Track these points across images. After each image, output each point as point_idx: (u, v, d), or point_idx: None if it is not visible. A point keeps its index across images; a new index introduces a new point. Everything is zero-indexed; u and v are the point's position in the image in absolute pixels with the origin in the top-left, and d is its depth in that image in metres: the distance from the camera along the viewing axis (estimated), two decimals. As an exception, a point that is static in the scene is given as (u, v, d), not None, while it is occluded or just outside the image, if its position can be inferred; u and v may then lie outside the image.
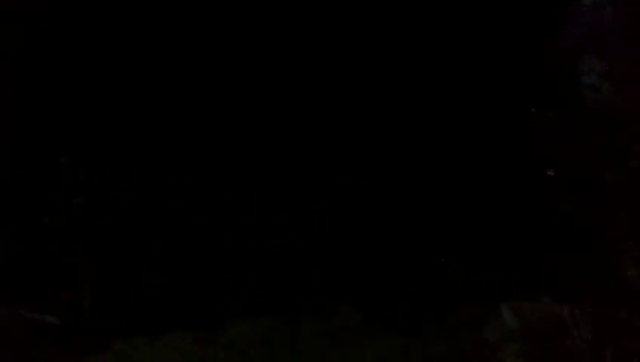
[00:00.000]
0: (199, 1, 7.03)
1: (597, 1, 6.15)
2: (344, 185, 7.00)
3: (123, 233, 6.77)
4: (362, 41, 7.06)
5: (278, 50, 7.10)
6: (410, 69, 7.07)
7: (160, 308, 6.67)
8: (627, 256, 5.63)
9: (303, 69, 7.08)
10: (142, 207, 6.85)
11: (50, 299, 6.82)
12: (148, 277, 6.85)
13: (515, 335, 5.93)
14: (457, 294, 6.54)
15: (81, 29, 6.94)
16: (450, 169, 6.99)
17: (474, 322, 6.09)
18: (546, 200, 6.10)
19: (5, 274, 6.68)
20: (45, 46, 6.90)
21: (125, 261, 6.85)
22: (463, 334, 5.98)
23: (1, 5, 6.76)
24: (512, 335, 5.95)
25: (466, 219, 6.86)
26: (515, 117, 6.63)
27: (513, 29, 6.88)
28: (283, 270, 6.81)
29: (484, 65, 6.98)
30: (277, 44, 7.08)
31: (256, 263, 6.84)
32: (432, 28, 7.01)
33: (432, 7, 6.99)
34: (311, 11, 6.98)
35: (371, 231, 6.92)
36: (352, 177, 7.02)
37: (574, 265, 5.80)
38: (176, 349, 6.09)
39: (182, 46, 7.06)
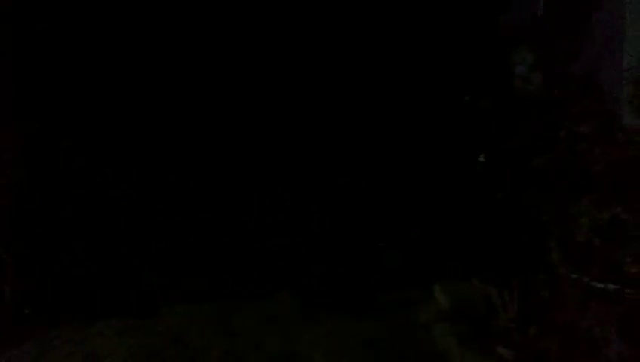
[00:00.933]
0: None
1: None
2: (279, 175, 6.97)
3: (50, 217, 6.43)
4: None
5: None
6: (341, 59, 7.07)
7: (92, 295, 6.41)
8: (552, 240, 5.96)
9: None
10: (71, 189, 6.52)
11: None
12: (78, 263, 6.56)
13: (447, 315, 6.19)
14: (393, 278, 6.70)
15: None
16: (385, 157, 7.08)
17: (409, 304, 6.29)
18: (478, 187, 6.33)
19: None
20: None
21: (53, 246, 6.52)
22: (399, 316, 6.15)
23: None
24: (443, 315, 6.20)
25: (401, 205, 7.00)
26: (449, 105, 6.78)
27: (452, 19, 6.99)
28: (222, 257, 6.72)
29: (422, 54, 7.06)
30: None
31: (194, 249, 6.70)
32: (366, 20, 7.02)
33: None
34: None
35: (308, 219, 6.94)
36: (287, 166, 7.00)
37: (503, 249, 6.07)
38: (108, 337, 5.89)
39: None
